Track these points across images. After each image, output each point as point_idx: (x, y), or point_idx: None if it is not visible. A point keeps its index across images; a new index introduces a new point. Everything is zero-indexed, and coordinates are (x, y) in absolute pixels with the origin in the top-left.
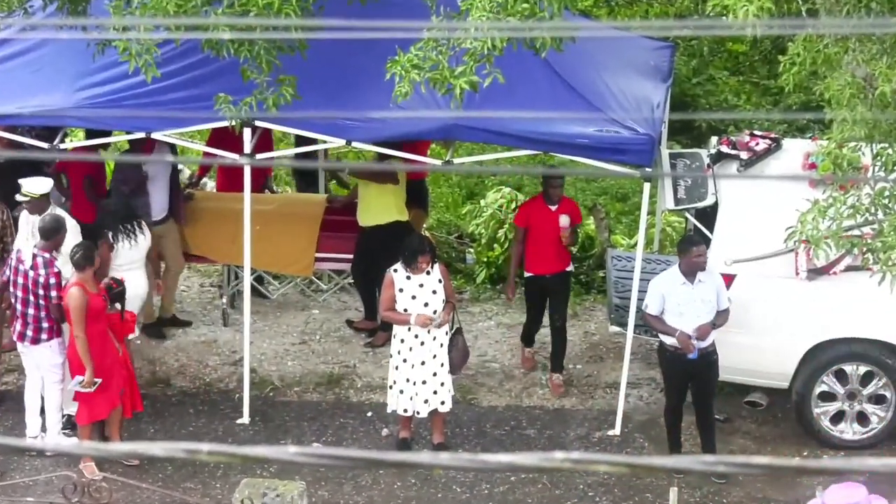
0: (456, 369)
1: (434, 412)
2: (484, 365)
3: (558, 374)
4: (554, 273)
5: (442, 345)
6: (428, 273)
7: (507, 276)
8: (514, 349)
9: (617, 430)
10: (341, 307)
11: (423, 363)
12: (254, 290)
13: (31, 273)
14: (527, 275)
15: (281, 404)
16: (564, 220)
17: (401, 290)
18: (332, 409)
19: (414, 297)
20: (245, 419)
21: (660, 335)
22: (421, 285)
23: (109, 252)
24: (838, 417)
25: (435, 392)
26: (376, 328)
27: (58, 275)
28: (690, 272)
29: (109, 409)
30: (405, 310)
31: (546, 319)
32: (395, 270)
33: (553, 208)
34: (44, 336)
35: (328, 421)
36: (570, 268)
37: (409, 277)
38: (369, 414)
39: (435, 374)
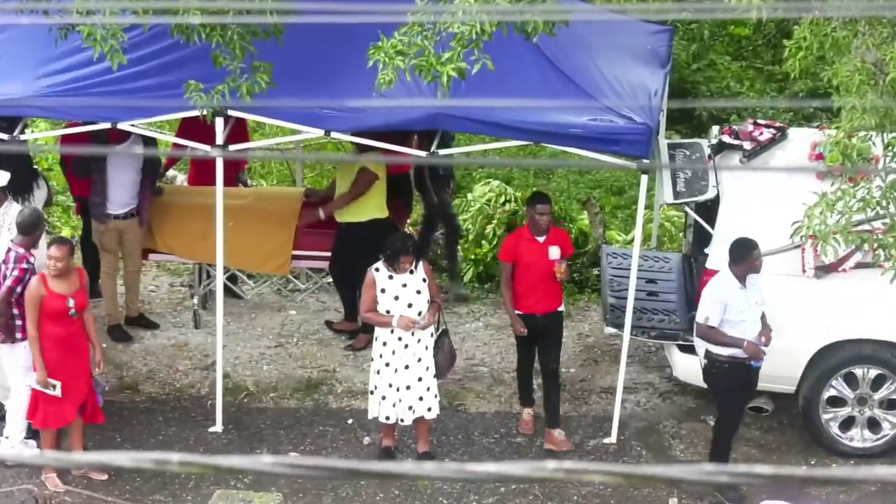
0: (442, 373)
1: (420, 419)
2: (472, 369)
3: (559, 430)
4: (546, 313)
5: (427, 347)
6: (412, 272)
7: (506, 310)
8: (502, 352)
9: (613, 438)
10: (320, 308)
11: (406, 367)
12: (227, 290)
13: (2, 267)
14: (515, 314)
15: (256, 411)
16: (555, 252)
17: (382, 291)
18: (311, 417)
19: (397, 298)
20: (218, 427)
21: (712, 348)
22: (404, 285)
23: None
24: (848, 423)
25: (420, 398)
26: (357, 330)
27: (24, 270)
28: (744, 276)
29: (59, 423)
30: (387, 311)
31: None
32: (377, 269)
33: (541, 240)
34: (18, 335)
35: (306, 429)
36: (562, 307)
37: (391, 277)
38: (350, 421)
39: (420, 379)
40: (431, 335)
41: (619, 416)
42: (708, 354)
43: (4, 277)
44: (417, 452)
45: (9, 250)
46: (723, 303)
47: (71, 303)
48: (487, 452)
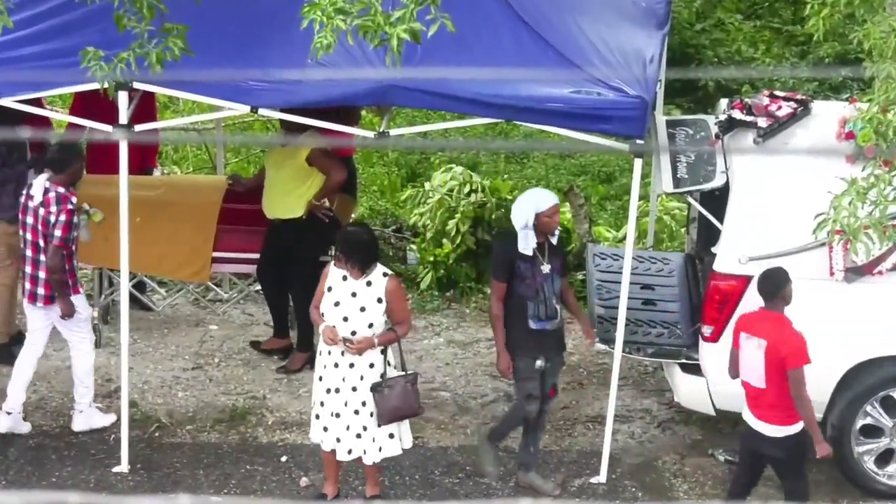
0: (381, 420)
1: (359, 460)
2: (431, 395)
3: None
4: None
5: (362, 377)
6: (369, 284)
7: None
8: (468, 374)
9: (602, 477)
10: (246, 321)
11: (337, 391)
12: (133, 301)
13: (42, 211)
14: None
15: (169, 447)
16: None
17: (329, 289)
18: (236, 454)
19: (337, 304)
20: (123, 467)
21: None
22: (353, 294)
23: None
24: (886, 457)
25: (358, 435)
26: (289, 347)
27: (70, 212)
28: None
29: None
30: (322, 314)
31: None
32: (335, 263)
33: None
34: (70, 291)
35: (230, 468)
36: None
37: (345, 278)
38: (284, 459)
39: (357, 413)
40: (372, 366)
41: (610, 451)
42: None
43: (45, 223)
44: (365, 496)
45: (46, 191)
46: None
47: None
48: (451, 494)
